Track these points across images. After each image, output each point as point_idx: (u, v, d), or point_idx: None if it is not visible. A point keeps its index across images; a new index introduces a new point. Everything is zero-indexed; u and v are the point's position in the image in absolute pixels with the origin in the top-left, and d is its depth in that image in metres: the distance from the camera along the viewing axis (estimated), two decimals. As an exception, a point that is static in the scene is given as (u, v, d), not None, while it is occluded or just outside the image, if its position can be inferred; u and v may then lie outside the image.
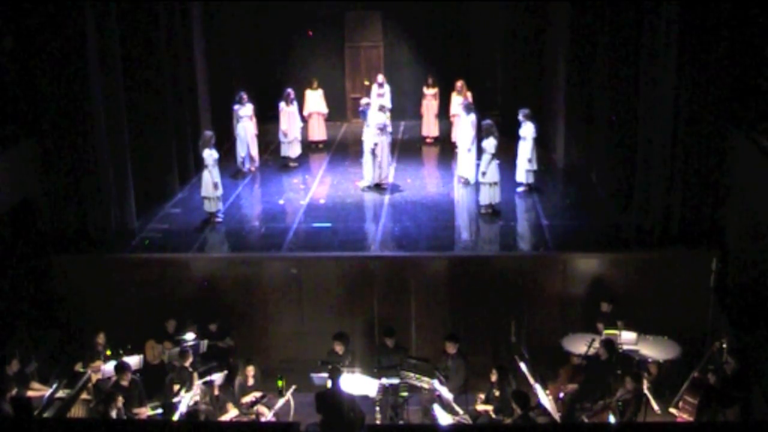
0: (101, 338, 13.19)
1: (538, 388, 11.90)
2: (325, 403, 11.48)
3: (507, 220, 15.47)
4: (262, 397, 12.79)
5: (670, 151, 13.78)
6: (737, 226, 13.47)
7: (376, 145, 16.64)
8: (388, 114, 17.23)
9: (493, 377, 12.27)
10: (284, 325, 14.26)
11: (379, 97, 19.50)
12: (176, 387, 12.44)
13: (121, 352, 13.10)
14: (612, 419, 11.68)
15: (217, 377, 12.68)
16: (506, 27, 20.34)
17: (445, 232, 15.02)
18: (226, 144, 18.57)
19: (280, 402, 12.46)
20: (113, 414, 11.43)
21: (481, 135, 15.78)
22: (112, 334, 13.37)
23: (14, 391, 11.91)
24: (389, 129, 17.39)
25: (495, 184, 15.40)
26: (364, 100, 17.49)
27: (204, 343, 13.42)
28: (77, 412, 12.08)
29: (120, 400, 11.62)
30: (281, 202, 16.71)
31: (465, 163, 16.89)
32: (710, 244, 13.81)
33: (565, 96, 17.70)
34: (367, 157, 16.79)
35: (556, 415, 11.69)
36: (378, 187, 16.88)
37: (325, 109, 20.03)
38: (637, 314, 13.35)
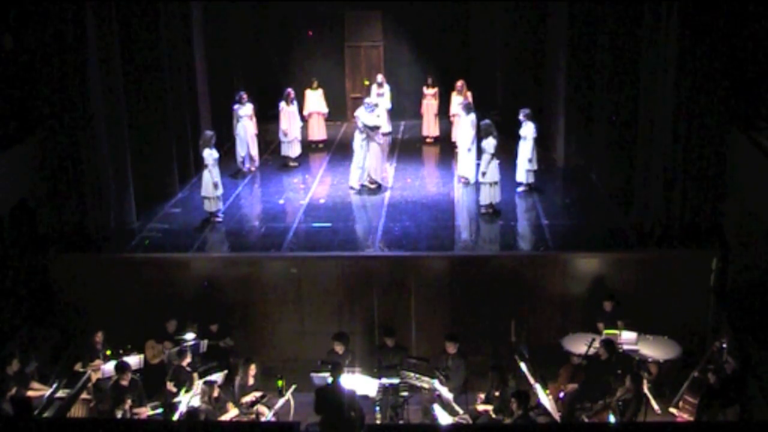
0: (99, 337, 13.20)
1: (538, 388, 11.90)
2: (326, 400, 11.48)
3: (507, 220, 15.46)
4: (262, 397, 12.79)
5: (670, 151, 13.79)
6: (737, 226, 13.48)
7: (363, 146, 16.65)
8: (383, 114, 17.17)
9: (490, 378, 12.26)
10: (284, 325, 14.25)
11: (379, 97, 19.51)
12: (175, 387, 12.47)
13: (121, 352, 13.10)
14: (612, 419, 11.69)
15: (217, 377, 12.69)
16: (506, 27, 20.34)
17: (445, 232, 15.02)
18: (226, 144, 18.57)
19: (280, 402, 12.46)
20: (119, 414, 11.43)
21: (480, 135, 15.78)
22: (112, 334, 13.37)
23: (14, 391, 11.91)
24: (381, 130, 17.29)
25: (495, 183, 15.40)
26: (370, 99, 17.39)
27: (204, 343, 13.42)
28: (77, 412, 12.08)
29: (128, 402, 11.61)
30: (281, 201, 16.72)
31: (465, 162, 16.89)
32: (710, 244, 13.81)
33: (565, 96, 17.70)
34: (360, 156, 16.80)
35: (556, 415, 11.69)
36: (378, 187, 16.89)
37: (325, 109, 20.04)
38: (637, 314, 13.35)
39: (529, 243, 14.69)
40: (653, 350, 12.94)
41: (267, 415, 12.44)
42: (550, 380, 12.67)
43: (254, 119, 18.48)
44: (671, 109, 13.62)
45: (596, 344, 12.57)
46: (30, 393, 12.21)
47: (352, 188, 16.88)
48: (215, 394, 12.38)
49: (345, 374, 12.08)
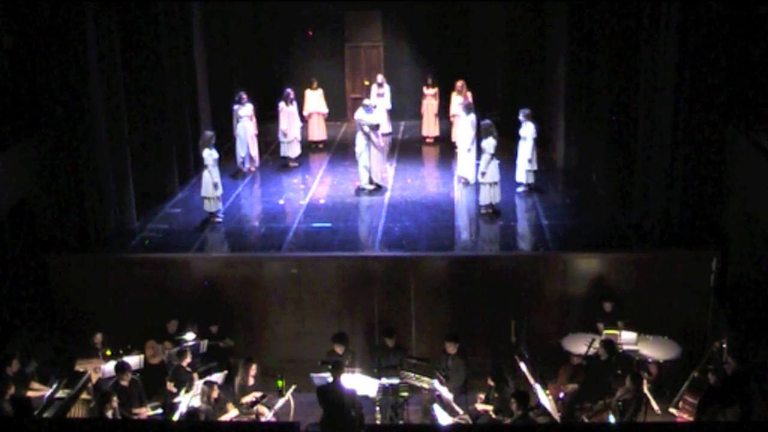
0: (98, 338, 13.21)
1: (538, 388, 11.90)
2: (327, 398, 11.50)
3: (507, 220, 15.46)
4: (262, 397, 12.79)
5: (670, 151, 13.79)
6: (737, 226, 13.47)
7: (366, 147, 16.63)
8: (382, 114, 17.15)
9: (490, 383, 12.26)
10: (284, 325, 14.25)
11: (379, 97, 19.51)
12: (175, 387, 12.47)
13: (121, 352, 13.10)
14: (612, 419, 11.68)
15: (217, 377, 12.69)
16: (506, 27, 20.34)
17: (445, 232, 15.02)
18: (226, 144, 18.57)
19: (280, 402, 12.46)
20: (109, 414, 11.43)
21: (480, 135, 15.78)
22: (112, 334, 13.38)
23: (14, 391, 11.89)
24: (381, 131, 17.28)
25: (495, 183, 15.40)
26: (369, 101, 17.39)
27: (204, 343, 13.43)
28: (77, 412, 12.07)
29: (115, 400, 11.61)
30: (281, 202, 16.71)
31: (465, 163, 16.89)
32: (710, 244, 13.82)
33: (565, 96, 17.70)
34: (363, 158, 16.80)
35: (556, 415, 11.69)
36: (378, 188, 16.88)
37: (325, 109, 20.04)
38: (637, 314, 13.35)
39: (529, 243, 14.69)
40: (653, 350, 12.94)
41: (267, 415, 12.44)
42: (550, 380, 12.67)
43: (254, 119, 18.49)
44: (671, 109, 13.62)
45: (596, 344, 12.57)
46: (30, 393, 12.21)
47: (363, 189, 16.84)
48: (215, 394, 12.38)
49: (345, 374, 12.07)
